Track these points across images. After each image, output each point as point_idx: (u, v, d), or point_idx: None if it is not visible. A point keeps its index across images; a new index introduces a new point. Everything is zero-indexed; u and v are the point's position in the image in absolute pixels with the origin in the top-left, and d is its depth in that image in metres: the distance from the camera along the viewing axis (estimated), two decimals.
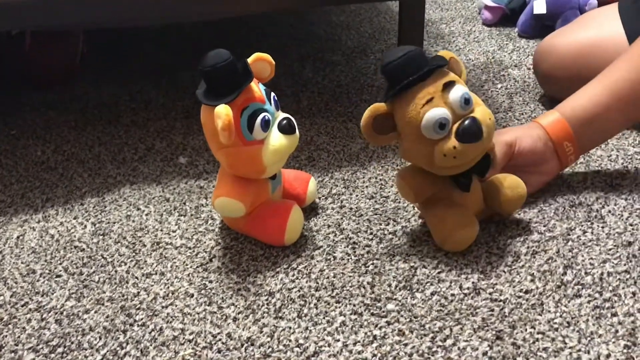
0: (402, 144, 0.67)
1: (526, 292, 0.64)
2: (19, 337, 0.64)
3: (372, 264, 0.70)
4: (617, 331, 0.59)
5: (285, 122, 0.68)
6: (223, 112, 0.62)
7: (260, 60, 0.69)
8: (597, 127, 0.76)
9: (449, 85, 0.63)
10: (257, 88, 0.67)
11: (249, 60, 0.68)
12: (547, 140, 0.75)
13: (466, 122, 0.63)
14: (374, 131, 0.65)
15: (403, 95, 0.64)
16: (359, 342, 0.60)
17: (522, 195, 0.72)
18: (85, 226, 0.80)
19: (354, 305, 0.64)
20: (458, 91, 0.63)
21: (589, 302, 0.63)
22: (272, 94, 0.69)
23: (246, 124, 0.66)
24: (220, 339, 0.62)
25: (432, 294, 0.65)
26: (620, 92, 0.74)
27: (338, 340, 0.60)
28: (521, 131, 0.76)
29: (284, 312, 0.64)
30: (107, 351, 0.61)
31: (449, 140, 0.63)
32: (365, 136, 0.66)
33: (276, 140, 0.67)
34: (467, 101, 0.64)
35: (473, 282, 0.66)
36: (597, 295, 0.63)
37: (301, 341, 0.61)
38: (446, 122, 0.63)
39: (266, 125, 0.66)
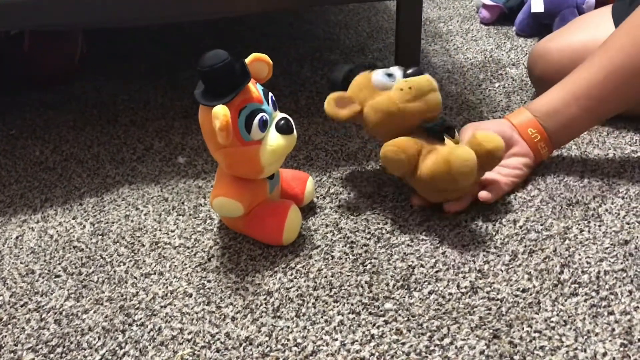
0: (365, 113, 0.75)
1: (523, 290, 0.65)
2: (18, 337, 0.64)
3: (370, 263, 0.70)
4: (613, 329, 0.60)
5: (283, 122, 0.68)
6: (221, 112, 0.62)
7: (258, 61, 0.69)
8: (563, 122, 0.80)
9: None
10: (255, 88, 0.68)
11: (247, 60, 0.68)
12: (512, 126, 0.80)
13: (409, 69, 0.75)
14: (336, 109, 0.75)
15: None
16: (356, 341, 0.60)
17: (498, 145, 0.72)
18: (84, 226, 0.80)
19: (352, 305, 0.65)
20: (384, 70, 0.76)
21: (585, 300, 0.63)
22: (270, 94, 0.70)
23: (244, 124, 0.66)
24: (218, 339, 0.62)
25: (430, 293, 0.65)
26: (580, 93, 0.79)
27: (336, 340, 0.61)
28: (485, 123, 0.83)
29: (282, 312, 0.64)
30: (106, 351, 0.61)
31: (400, 82, 0.73)
32: (331, 115, 0.76)
33: (274, 140, 0.67)
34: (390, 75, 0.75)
35: (470, 281, 0.66)
36: (593, 293, 0.64)
37: (299, 340, 0.61)
38: (392, 72, 0.74)
39: (264, 125, 0.67)
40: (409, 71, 0.74)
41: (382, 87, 0.74)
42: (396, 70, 0.75)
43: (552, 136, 0.80)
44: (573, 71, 0.81)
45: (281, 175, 0.77)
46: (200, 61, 0.64)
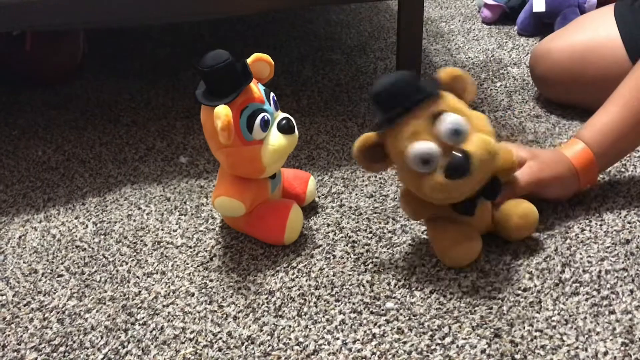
0: (397, 171, 0.66)
1: (524, 290, 0.65)
2: (21, 336, 0.64)
3: (372, 262, 0.70)
4: (614, 329, 0.60)
5: (284, 122, 0.68)
6: (222, 112, 0.63)
7: (259, 61, 0.69)
8: (618, 151, 0.76)
9: (438, 115, 0.60)
10: (257, 88, 0.68)
11: (249, 60, 0.68)
12: (577, 180, 0.74)
13: (455, 157, 0.59)
14: (367, 160, 0.65)
15: (392, 126, 0.62)
16: (358, 340, 0.61)
17: (533, 225, 0.70)
18: (87, 226, 0.80)
19: (354, 304, 0.65)
20: (447, 123, 0.59)
21: (586, 299, 0.63)
22: (272, 94, 0.70)
23: (245, 124, 0.66)
24: (220, 338, 0.62)
25: (431, 292, 0.66)
26: (636, 111, 0.73)
27: (337, 339, 0.61)
28: (558, 170, 0.73)
29: (284, 311, 0.65)
30: (109, 350, 0.62)
31: (435, 175, 0.60)
32: (359, 165, 0.66)
33: (275, 140, 0.67)
34: (457, 132, 0.60)
35: (472, 281, 0.66)
36: (595, 293, 0.64)
37: (301, 339, 0.61)
38: (429, 158, 0.60)
39: (265, 125, 0.67)
40: (450, 163, 0.59)
41: (416, 170, 0.62)
42: (433, 155, 0.60)
43: (601, 166, 0.76)
44: (619, 89, 0.75)
45: (283, 174, 0.77)
46: (201, 61, 0.64)
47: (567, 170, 0.73)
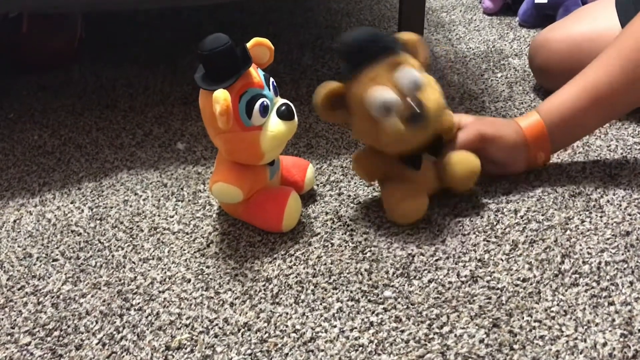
0: (353, 123, 0.69)
1: (524, 280, 0.64)
2: (15, 320, 0.63)
3: (370, 250, 0.70)
4: (613, 320, 0.59)
5: (284, 107, 0.67)
6: (221, 97, 0.62)
7: (259, 45, 0.68)
8: (573, 130, 0.77)
9: (398, 65, 0.65)
10: (256, 73, 0.67)
11: (248, 45, 0.67)
12: (525, 146, 0.76)
13: (414, 105, 0.64)
14: (327, 108, 0.68)
15: (355, 75, 0.66)
16: (355, 328, 0.60)
17: (474, 171, 0.72)
18: (83, 210, 0.79)
19: (351, 292, 0.64)
20: (405, 72, 0.64)
21: (586, 291, 0.63)
22: (272, 79, 0.69)
23: (245, 109, 0.65)
24: (217, 324, 0.62)
25: (430, 281, 0.65)
26: (597, 95, 0.74)
27: (335, 326, 0.60)
28: (504, 130, 0.75)
29: (281, 298, 0.64)
30: (104, 335, 0.61)
31: (393, 121, 0.65)
32: (319, 112, 0.69)
33: (275, 126, 0.67)
34: (415, 83, 0.65)
35: (471, 270, 0.66)
36: (594, 284, 0.63)
37: (298, 327, 0.61)
38: (390, 105, 0.64)
39: (265, 110, 0.66)
40: (410, 116, 0.64)
41: (376, 116, 0.66)
42: (392, 102, 0.64)
43: (555, 146, 0.78)
44: (589, 69, 0.76)
45: (281, 162, 0.76)
46: (200, 45, 0.64)
47: (514, 132, 0.75)
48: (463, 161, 0.72)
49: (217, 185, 0.69)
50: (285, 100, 0.68)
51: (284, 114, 0.67)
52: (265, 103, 0.66)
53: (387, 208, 0.73)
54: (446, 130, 0.73)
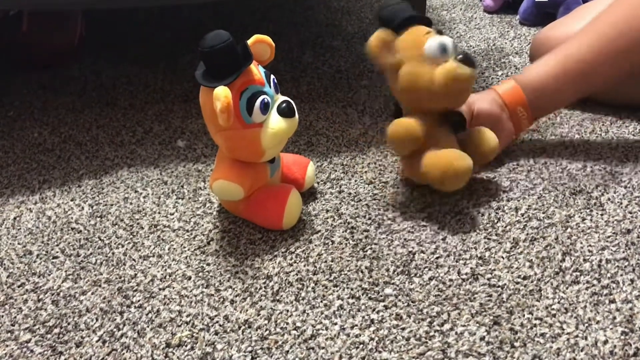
0: (401, 72, 0.72)
1: (524, 278, 0.64)
2: (15, 317, 0.63)
3: (371, 248, 0.70)
4: (614, 318, 0.59)
5: (284, 105, 0.67)
6: (222, 94, 0.62)
7: (260, 42, 0.68)
8: (550, 96, 0.81)
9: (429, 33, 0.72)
10: (257, 70, 0.67)
11: (249, 42, 0.67)
12: (502, 104, 0.80)
13: (464, 52, 0.71)
14: (380, 51, 0.72)
15: (405, 29, 0.72)
16: (356, 325, 0.60)
17: (495, 146, 0.76)
18: (83, 208, 0.79)
19: (352, 289, 0.64)
20: (443, 37, 0.71)
21: (587, 288, 0.63)
22: (272, 76, 0.69)
23: (245, 106, 0.65)
24: (217, 321, 0.61)
25: (430, 279, 0.65)
26: (572, 66, 0.79)
27: (335, 324, 0.60)
28: (478, 95, 0.81)
29: (281, 295, 0.64)
30: (104, 332, 0.61)
31: (449, 62, 0.69)
32: (371, 55, 0.73)
33: (275, 123, 0.66)
34: (452, 45, 0.71)
35: (471, 268, 0.66)
36: (595, 282, 0.63)
37: (298, 324, 0.61)
38: (446, 47, 0.70)
39: (265, 108, 0.66)
40: (461, 56, 0.70)
41: (431, 59, 0.70)
42: (450, 46, 0.70)
43: (535, 111, 0.81)
44: (565, 43, 0.81)
45: (282, 159, 0.76)
46: (201, 41, 0.63)
47: (492, 102, 0.80)
48: (485, 136, 0.75)
49: (217, 182, 0.68)
50: (285, 98, 0.68)
51: (285, 111, 0.67)
52: (266, 100, 0.66)
53: (439, 172, 0.70)
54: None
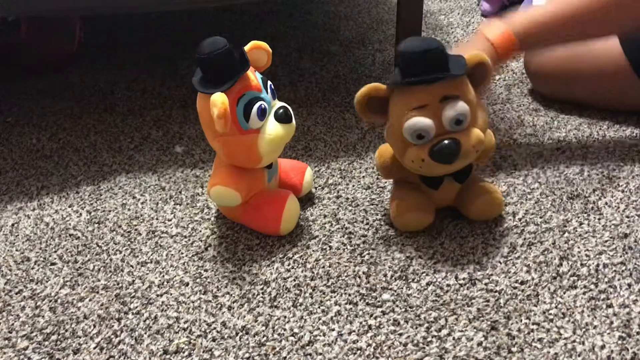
0: (387, 127, 0.68)
1: (522, 283, 0.64)
2: (12, 324, 0.63)
3: (368, 253, 0.70)
4: (612, 322, 0.59)
5: (282, 110, 0.67)
6: (219, 100, 0.62)
7: (257, 49, 0.68)
8: (541, 36, 0.78)
9: (448, 98, 0.62)
10: (254, 76, 0.67)
11: (246, 48, 0.67)
12: (494, 54, 0.76)
13: (445, 142, 0.62)
14: (366, 108, 0.66)
15: (405, 88, 0.63)
16: (354, 331, 0.60)
17: (494, 213, 0.72)
18: (81, 214, 0.79)
19: (350, 295, 0.64)
20: (453, 109, 0.62)
21: (584, 293, 0.63)
22: (269, 82, 0.69)
23: (242, 112, 0.65)
24: (215, 328, 0.61)
25: (428, 284, 0.65)
26: (563, 12, 0.77)
27: (333, 330, 0.60)
28: (469, 44, 0.78)
29: (279, 301, 0.64)
30: (102, 339, 0.61)
31: (420, 150, 0.63)
32: (358, 111, 0.67)
33: (272, 129, 0.67)
34: (458, 122, 0.62)
35: (469, 273, 0.66)
36: (592, 286, 0.63)
37: (296, 330, 0.61)
38: (425, 135, 0.63)
39: (262, 114, 0.66)
40: (439, 146, 0.62)
41: (407, 139, 0.64)
42: (428, 133, 0.62)
43: (523, 48, 0.79)
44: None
45: (279, 165, 0.76)
46: (198, 48, 0.64)
47: (480, 40, 0.78)
48: (486, 204, 0.71)
49: (215, 188, 0.69)
50: (283, 104, 0.68)
51: (282, 117, 0.67)
52: (263, 106, 0.66)
53: (392, 213, 0.72)
54: (483, 155, 0.70)
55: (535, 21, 0.78)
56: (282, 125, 0.67)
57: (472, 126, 0.64)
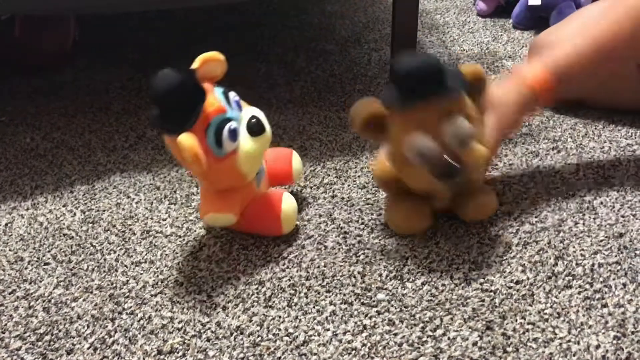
0: (387, 147, 0.66)
1: (517, 282, 0.64)
2: (5, 324, 0.63)
3: (363, 253, 0.69)
4: (607, 322, 0.59)
5: (253, 121, 0.64)
6: (187, 144, 0.58)
7: (208, 63, 0.64)
8: (576, 81, 0.77)
9: (448, 115, 0.61)
10: (214, 97, 0.63)
11: (195, 65, 0.63)
12: (534, 100, 0.73)
13: (448, 165, 0.61)
14: (365, 127, 0.64)
15: (404, 108, 0.61)
16: (348, 331, 0.60)
17: (488, 214, 0.73)
18: (75, 214, 0.79)
19: (345, 295, 0.64)
20: (454, 126, 0.60)
21: (579, 293, 0.63)
22: (232, 93, 0.65)
23: (214, 142, 0.62)
24: (209, 328, 0.61)
25: (423, 284, 0.65)
26: (604, 46, 0.76)
27: (328, 330, 0.60)
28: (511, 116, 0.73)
29: (274, 301, 0.64)
30: (95, 339, 0.61)
31: (423, 170, 0.62)
32: (355, 128, 0.64)
33: (247, 145, 0.64)
34: (462, 142, 0.61)
35: (464, 273, 0.66)
36: (587, 286, 0.63)
37: (291, 330, 0.60)
38: (427, 156, 0.61)
39: (234, 134, 0.63)
40: (441, 168, 0.61)
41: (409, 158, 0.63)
42: (432, 155, 0.61)
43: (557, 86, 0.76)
44: (588, 27, 0.78)
45: (265, 161, 0.74)
46: (151, 84, 0.60)
47: (525, 96, 0.73)
48: (480, 207, 0.71)
49: (208, 216, 0.67)
50: (252, 112, 0.65)
51: (254, 130, 0.64)
52: (232, 127, 0.62)
53: (389, 216, 0.72)
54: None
55: (567, 58, 0.75)
56: (255, 138, 0.64)
57: (477, 141, 0.63)
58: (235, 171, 0.65)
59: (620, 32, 0.77)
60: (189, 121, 0.61)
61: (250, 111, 0.66)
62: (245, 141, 0.64)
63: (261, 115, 0.66)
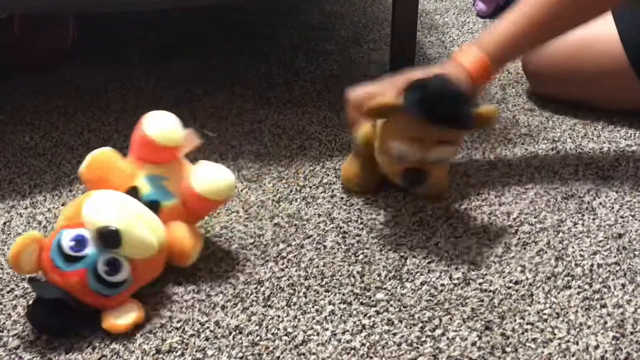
0: (382, 127, 0.70)
1: (516, 283, 0.64)
2: (4, 323, 0.63)
3: (362, 253, 0.69)
4: (606, 322, 0.59)
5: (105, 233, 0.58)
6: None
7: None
8: (512, 55, 0.79)
9: (441, 142, 0.66)
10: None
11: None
12: (471, 85, 0.75)
13: (414, 174, 0.68)
14: (378, 112, 0.68)
15: (412, 115, 0.65)
16: (347, 331, 0.60)
17: (442, 189, 0.78)
18: None
19: (344, 295, 0.64)
20: (438, 152, 0.67)
21: (578, 293, 0.63)
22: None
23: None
24: (208, 327, 0.61)
25: (422, 283, 0.65)
26: (536, 20, 0.76)
27: (327, 329, 0.60)
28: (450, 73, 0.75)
29: (272, 301, 0.64)
30: (94, 338, 0.60)
31: (396, 168, 0.69)
32: (366, 112, 0.68)
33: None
34: (440, 164, 0.70)
35: (463, 273, 0.66)
36: (586, 286, 0.63)
37: (290, 330, 0.60)
38: (405, 159, 0.67)
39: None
40: (408, 177, 0.69)
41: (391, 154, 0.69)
42: (412, 159, 0.68)
43: (497, 70, 0.79)
44: (518, 8, 0.78)
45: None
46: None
47: (453, 65, 0.76)
48: (432, 188, 0.74)
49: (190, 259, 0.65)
50: (104, 230, 0.59)
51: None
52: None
53: (342, 168, 0.80)
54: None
55: (505, 40, 0.77)
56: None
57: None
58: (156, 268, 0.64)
59: (549, 4, 0.76)
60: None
61: (101, 228, 0.59)
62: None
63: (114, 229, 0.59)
